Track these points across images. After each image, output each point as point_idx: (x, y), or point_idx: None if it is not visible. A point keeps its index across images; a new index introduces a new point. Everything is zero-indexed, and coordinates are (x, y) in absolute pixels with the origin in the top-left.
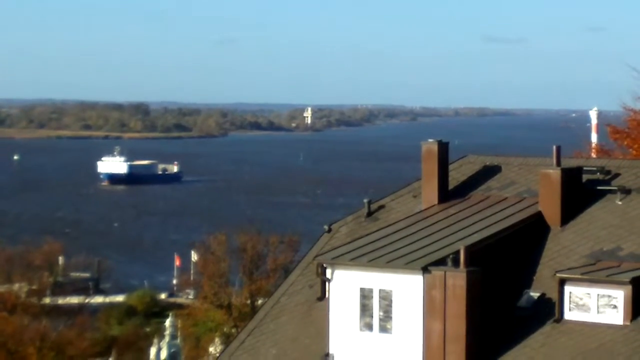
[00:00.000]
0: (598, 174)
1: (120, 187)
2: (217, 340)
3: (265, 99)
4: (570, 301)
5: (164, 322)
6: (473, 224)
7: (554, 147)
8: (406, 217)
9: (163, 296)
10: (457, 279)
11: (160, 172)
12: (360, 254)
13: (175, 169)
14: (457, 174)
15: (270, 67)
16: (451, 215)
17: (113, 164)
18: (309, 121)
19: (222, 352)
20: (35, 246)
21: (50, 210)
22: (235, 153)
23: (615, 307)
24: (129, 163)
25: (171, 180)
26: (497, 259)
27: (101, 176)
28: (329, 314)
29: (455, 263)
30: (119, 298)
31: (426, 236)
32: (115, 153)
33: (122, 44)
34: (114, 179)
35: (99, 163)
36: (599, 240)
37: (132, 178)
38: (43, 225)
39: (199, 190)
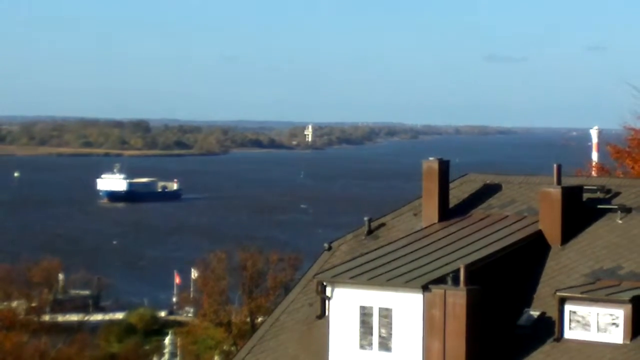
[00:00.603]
0: (598, 192)
1: (120, 205)
2: (216, 358)
3: (266, 116)
4: (570, 320)
5: (164, 339)
6: (473, 242)
7: (555, 166)
8: (406, 236)
9: (163, 314)
10: (457, 298)
11: (159, 190)
12: (360, 272)
13: (175, 186)
14: (458, 192)
15: (271, 84)
16: (451, 234)
17: (112, 182)
18: (310, 139)
19: None
20: (34, 263)
21: (50, 227)
22: (236, 171)
23: (615, 326)
24: (128, 181)
25: (171, 198)
26: (497, 278)
27: (100, 194)
28: (328, 332)
29: (456, 281)
30: (119, 315)
31: (426, 254)
32: (114, 170)
33: (123, 61)
34: (113, 196)
35: (98, 180)
36: (599, 259)
37: (131, 196)
38: (43, 242)
39: (199, 208)
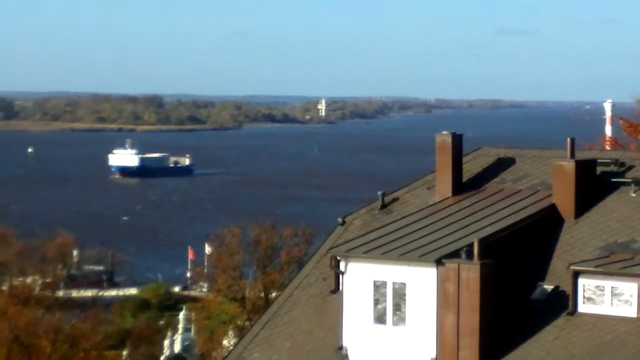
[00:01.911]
0: (612, 166)
1: (132, 180)
2: (230, 333)
3: (279, 91)
4: (584, 294)
5: (178, 315)
6: (487, 216)
7: (568, 140)
8: (420, 210)
9: (177, 289)
10: (471, 272)
11: (171, 165)
12: (374, 247)
13: (187, 161)
14: (471, 166)
15: (284, 59)
16: (465, 208)
17: (124, 157)
18: (323, 113)
19: (235, 345)
20: (48, 239)
21: (63, 203)
22: (249, 145)
23: (629, 299)
24: (140, 156)
25: (183, 173)
26: (511, 252)
27: (112, 169)
28: (342, 307)
29: (469, 255)
30: (133, 291)
31: (440, 229)
32: (126, 146)
33: (136, 36)
34: (125, 171)
35: (110, 156)
36: (613, 232)
37: (143, 171)
38: (56, 218)
39: (211, 183)
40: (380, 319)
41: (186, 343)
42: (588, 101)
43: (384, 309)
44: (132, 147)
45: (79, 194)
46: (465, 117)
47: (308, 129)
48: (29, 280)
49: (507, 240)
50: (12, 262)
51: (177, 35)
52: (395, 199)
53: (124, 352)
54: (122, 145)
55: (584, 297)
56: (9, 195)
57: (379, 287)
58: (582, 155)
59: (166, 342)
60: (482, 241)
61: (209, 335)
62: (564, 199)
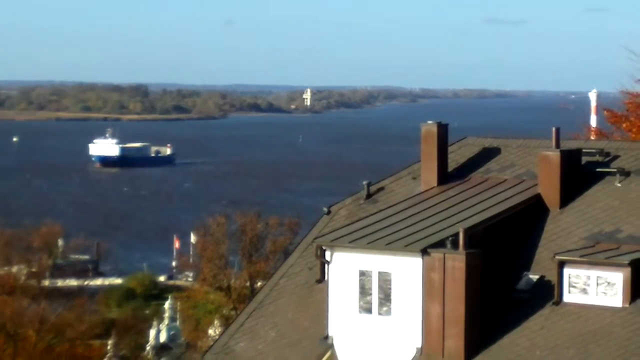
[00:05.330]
0: (597, 156)
1: (113, 170)
2: (216, 322)
3: (264, 80)
4: (569, 283)
5: (163, 304)
6: (472, 206)
7: (553, 129)
8: (405, 199)
9: (162, 278)
10: (456, 261)
11: (153, 155)
12: (359, 236)
13: (168, 151)
14: (457, 156)
15: (270, 48)
16: (450, 197)
17: (105, 147)
18: (309, 103)
19: (221, 334)
20: (34, 228)
21: (49, 192)
22: (233, 135)
23: (614, 289)
24: (121, 145)
25: (164, 163)
26: (496, 241)
27: (93, 159)
28: (328, 296)
29: (455, 245)
30: (118, 280)
31: (425, 218)
32: (107, 135)
33: (121, 24)
34: (105, 161)
35: (90, 145)
36: (598, 222)
37: (124, 160)
38: (41, 207)
39: (193, 173)
40: (365, 308)
41: (172, 332)
42: (573, 91)
43: (370, 298)
44: (114, 136)
45: (62, 184)
46: (450, 106)
47: (293, 119)
48: (14, 269)
49: (492, 230)
50: None
51: (162, 24)
52: (381, 189)
53: (109, 342)
54: (102, 135)
55: (569, 286)
56: None
57: (364, 276)
58: (567, 145)
59: (152, 332)
60: (467, 231)
61: (194, 324)
62: (549, 189)
